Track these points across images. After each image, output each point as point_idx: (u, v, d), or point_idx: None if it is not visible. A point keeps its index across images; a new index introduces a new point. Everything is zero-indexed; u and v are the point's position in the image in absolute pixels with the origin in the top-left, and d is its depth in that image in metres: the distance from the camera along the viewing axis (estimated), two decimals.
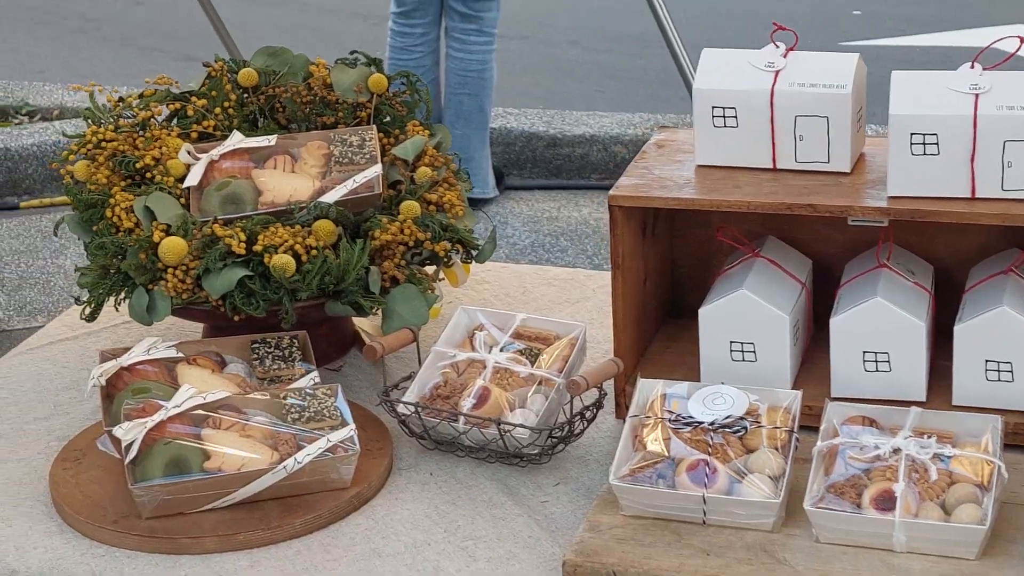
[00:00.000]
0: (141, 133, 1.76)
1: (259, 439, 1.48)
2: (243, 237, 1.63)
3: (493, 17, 4.01)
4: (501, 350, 1.59)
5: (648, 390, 1.51)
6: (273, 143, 1.75)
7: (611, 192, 1.60)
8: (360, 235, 1.68)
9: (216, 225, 1.64)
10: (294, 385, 1.59)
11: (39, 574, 1.43)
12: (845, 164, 1.62)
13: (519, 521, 1.48)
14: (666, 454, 1.43)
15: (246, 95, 1.82)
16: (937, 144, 1.52)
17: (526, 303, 1.92)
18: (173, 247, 1.62)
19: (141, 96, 1.81)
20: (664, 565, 1.36)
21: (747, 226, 1.69)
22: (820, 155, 1.61)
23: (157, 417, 1.47)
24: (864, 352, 1.59)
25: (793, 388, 1.59)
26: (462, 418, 1.52)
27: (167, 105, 1.82)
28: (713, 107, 1.62)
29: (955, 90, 1.53)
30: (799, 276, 1.68)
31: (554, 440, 1.54)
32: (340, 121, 1.81)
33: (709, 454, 1.43)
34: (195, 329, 1.84)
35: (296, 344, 1.66)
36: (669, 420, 1.46)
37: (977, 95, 1.52)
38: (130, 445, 1.46)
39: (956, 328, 1.56)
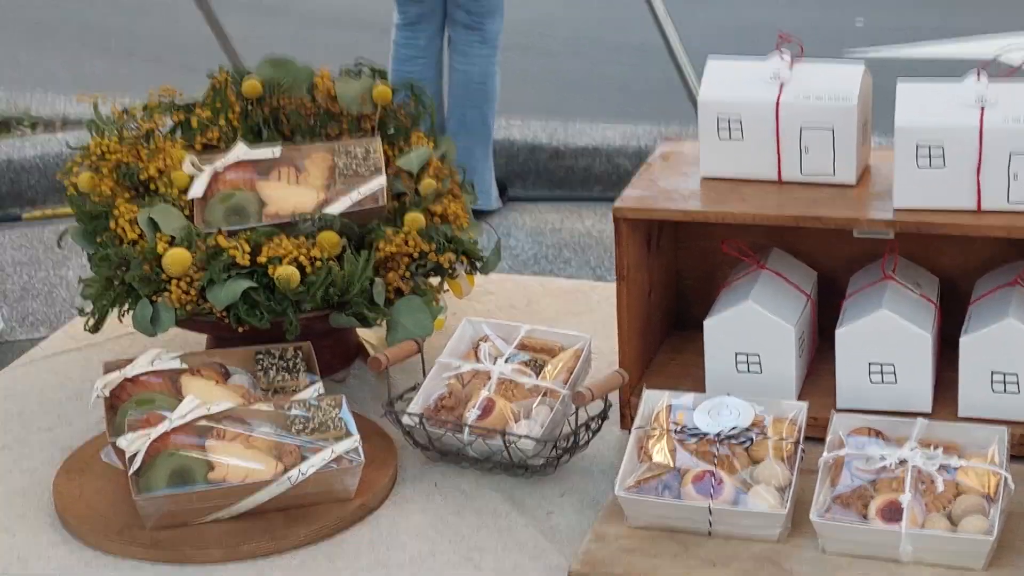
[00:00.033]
0: (145, 144, 1.77)
1: (263, 450, 1.48)
2: (247, 248, 1.62)
3: (496, 28, 4.02)
4: (506, 361, 1.58)
5: (653, 401, 1.51)
6: (277, 154, 1.75)
7: (616, 204, 1.60)
8: (364, 246, 1.68)
9: (220, 236, 1.64)
10: (298, 396, 1.58)
11: None
12: (851, 176, 1.61)
13: (524, 532, 1.47)
14: (672, 465, 1.43)
15: (250, 106, 1.82)
16: (943, 156, 1.52)
17: (530, 314, 1.92)
18: (177, 258, 1.62)
19: (145, 107, 1.81)
20: None
21: (752, 238, 1.69)
22: (826, 167, 1.61)
23: (161, 428, 1.47)
24: (870, 364, 1.58)
25: (798, 400, 1.59)
26: (467, 429, 1.52)
27: (171, 116, 1.82)
28: (718, 118, 1.62)
29: (961, 101, 1.53)
30: (804, 288, 1.68)
31: (559, 451, 1.54)
32: (344, 132, 1.81)
33: (715, 465, 1.42)
34: (199, 340, 1.84)
35: (300, 355, 1.66)
36: (675, 431, 1.46)
37: (983, 107, 1.52)
38: (134, 456, 1.45)
39: (962, 340, 1.56)
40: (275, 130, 1.82)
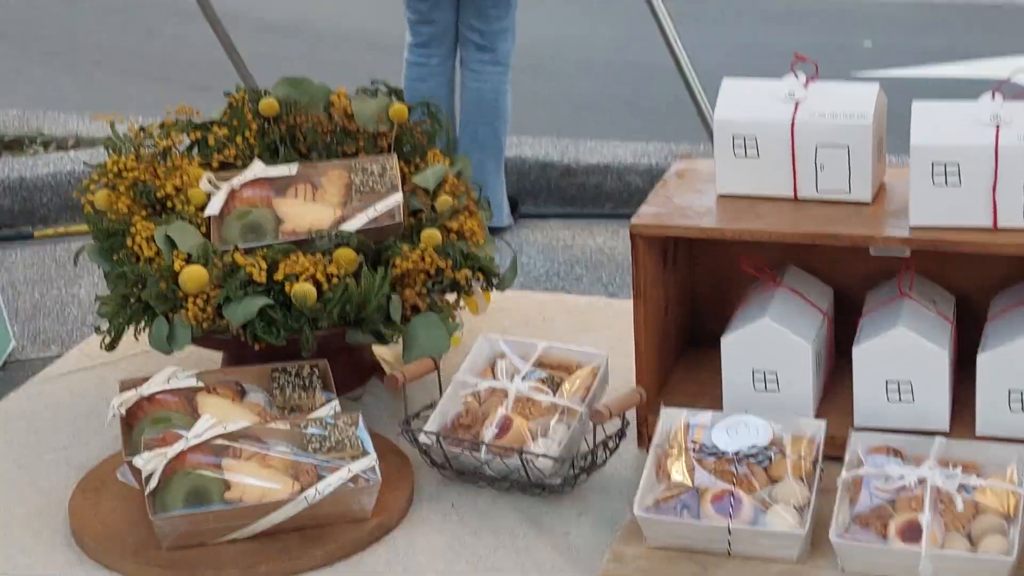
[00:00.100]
0: (162, 162, 1.77)
1: (280, 469, 1.48)
2: (264, 266, 1.63)
3: (508, 48, 4.03)
4: (523, 379, 1.58)
5: (671, 420, 1.51)
6: (294, 172, 1.75)
7: (632, 221, 1.60)
8: (381, 263, 1.68)
9: (237, 254, 1.64)
10: (315, 414, 1.58)
11: None
12: (866, 194, 1.61)
13: (542, 552, 1.47)
14: (690, 484, 1.43)
15: (267, 124, 1.83)
16: (959, 174, 1.52)
17: (546, 331, 1.92)
18: (194, 276, 1.62)
19: (162, 125, 1.82)
20: None
21: (767, 255, 1.69)
22: (841, 185, 1.61)
23: (177, 447, 1.47)
24: (887, 382, 1.58)
25: (816, 417, 1.58)
26: (484, 448, 1.52)
27: (188, 134, 1.82)
28: (734, 137, 1.63)
29: (976, 120, 1.53)
30: (821, 305, 1.67)
31: (577, 470, 1.53)
32: (361, 150, 1.81)
33: (734, 484, 1.42)
34: (214, 358, 1.84)
35: (316, 373, 1.66)
36: (693, 450, 1.46)
37: (998, 125, 1.52)
38: (151, 475, 1.45)
39: (979, 358, 1.56)
40: (292, 148, 1.82)
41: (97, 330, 1.73)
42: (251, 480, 1.46)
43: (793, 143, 1.61)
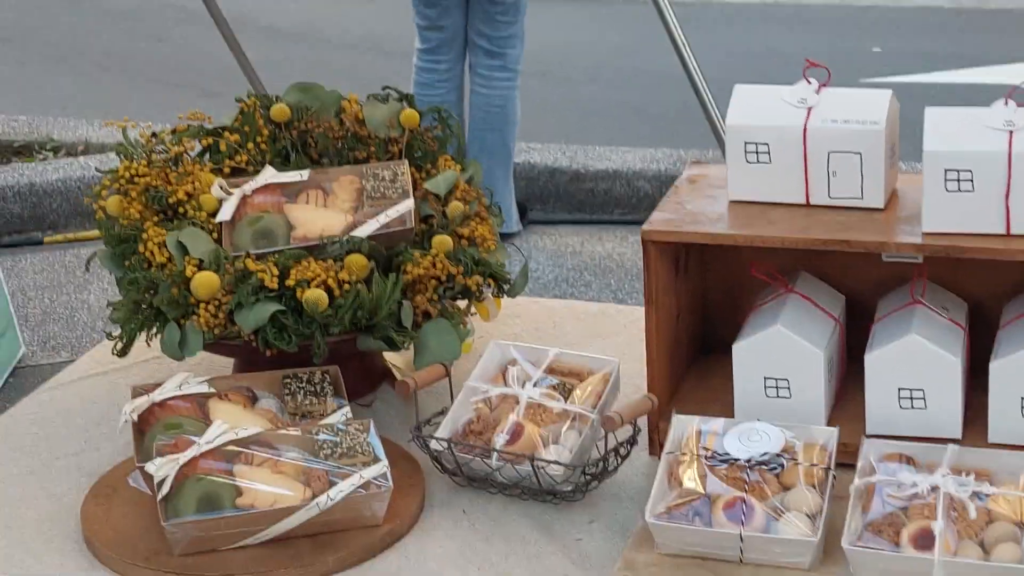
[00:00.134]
0: (174, 168, 1.77)
1: (291, 475, 1.48)
2: (275, 272, 1.63)
3: (517, 54, 4.03)
4: (534, 385, 1.58)
5: (683, 426, 1.50)
6: (305, 178, 1.75)
7: (644, 227, 1.60)
8: (392, 269, 1.68)
9: (248, 260, 1.64)
10: (326, 420, 1.58)
11: None
12: (879, 200, 1.61)
13: (553, 559, 1.46)
14: (702, 491, 1.42)
15: (278, 130, 1.83)
16: (972, 180, 1.52)
17: (557, 338, 1.92)
18: (206, 282, 1.62)
19: (174, 131, 1.82)
20: None
21: (779, 262, 1.69)
22: (854, 191, 1.61)
23: (189, 453, 1.47)
24: (899, 389, 1.57)
25: (827, 425, 1.58)
26: (495, 454, 1.52)
27: (200, 140, 1.82)
28: (746, 143, 1.62)
29: (989, 126, 1.53)
30: (833, 312, 1.67)
31: (588, 477, 1.53)
32: (372, 156, 1.82)
33: (746, 491, 1.41)
34: (225, 364, 1.84)
35: (328, 379, 1.66)
36: (705, 457, 1.45)
37: (1012, 131, 1.51)
38: (162, 481, 1.45)
39: (992, 365, 1.55)
40: (303, 154, 1.82)
41: (109, 336, 1.73)
42: (263, 486, 1.46)
43: (805, 149, 1.60)
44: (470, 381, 1.61)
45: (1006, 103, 1.55)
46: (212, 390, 1.61)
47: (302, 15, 7.04)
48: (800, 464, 1.44)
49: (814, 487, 1.43)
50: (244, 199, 1.73)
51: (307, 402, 1.63)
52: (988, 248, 1.52)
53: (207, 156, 1.83)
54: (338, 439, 1.51)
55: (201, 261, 1.65)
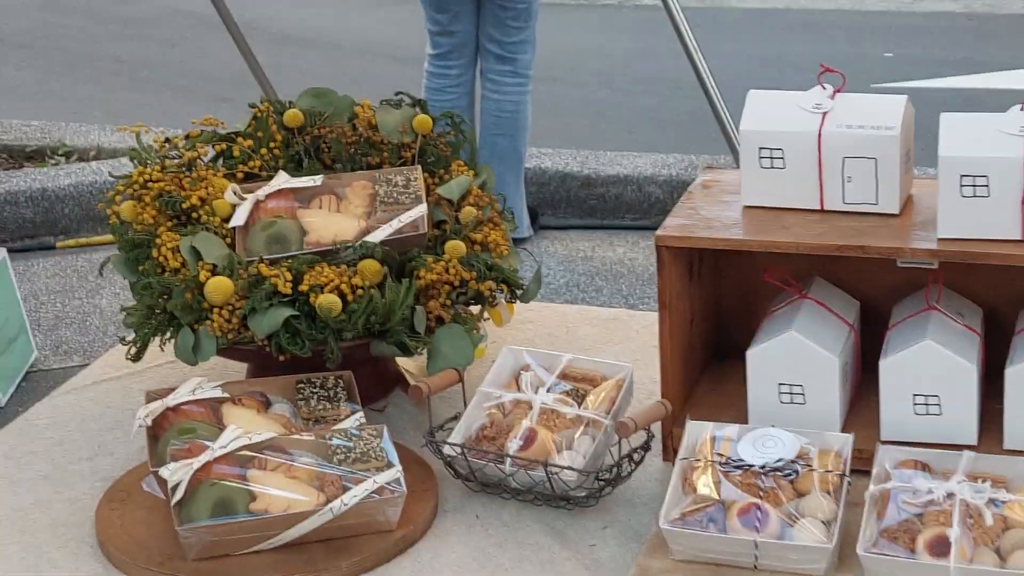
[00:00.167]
0: (187, 173, 1.77)
1: (305, 480, 1.48)
2: (289, 277, 1.63)
3: (528, 59, 4.03)
4: (548, 391, 1.58)
5: (697, 432, 1.50)
6: (318, 183, 1.75)
7: (658, 232, 1.60)
8: (405, 275, 1.68)
9: (262, 265, 1.64)
10: (340, 426, 1.58)
11: None
12: (894, 205, 1.61)
13: (567, 565, 1.46)
14: (717, 497, 1.42)
15: (292, 136, 1.83)
16: (987, 186, 1.51)
17: (569, 343, 1.92)
18: (219, 287, 1.62)
19: (187, 137, 1.83)
20: None
21: (794, 267, 1.68)
22: (868, 196, 1.61)
23: (203, 458, 1.47)
24: (914, 395, 1.57)
25: (842, 431, 1.58)
26: (508, 460, 1.51)
27: (213, 146, 1.83)
28: (760, 148, 1.62)
29: (1005, 132, 1.52)
30: (847, 318, 1.67)
31: (602, 483, 1.53)
32: (385, 161, 1.82)
33: (760, 498, 1.41)
34: (239, 369, 1.84)
35: (341, 384, 1.66)
36: (719, 463, 1.45)
37: None
38: (176, 486, 1.45)
39: (1007, 371, 1.55)
40: (316, 159, 1.82)
41: (122, 341, 1.73)
42: (276, 491, 1.46)
43: (820, 154, 1.60)
44: (483, 386, 1.61)
45: (1022, 108, 1.54)
46: (226, 395, 1.61)
47: (312, 21, 7.06)
48: (815, 470, 1.44)
49: (829, 493, 1.42)
50: (257, 204, 1.73)
51: (320, 407, 1.63)
52: (1004, 254, 1.51)
53: (220, 161, 1.83)
54: (352, 444, 1.51)
55: (215, 266, 1.65)
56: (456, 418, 1.60)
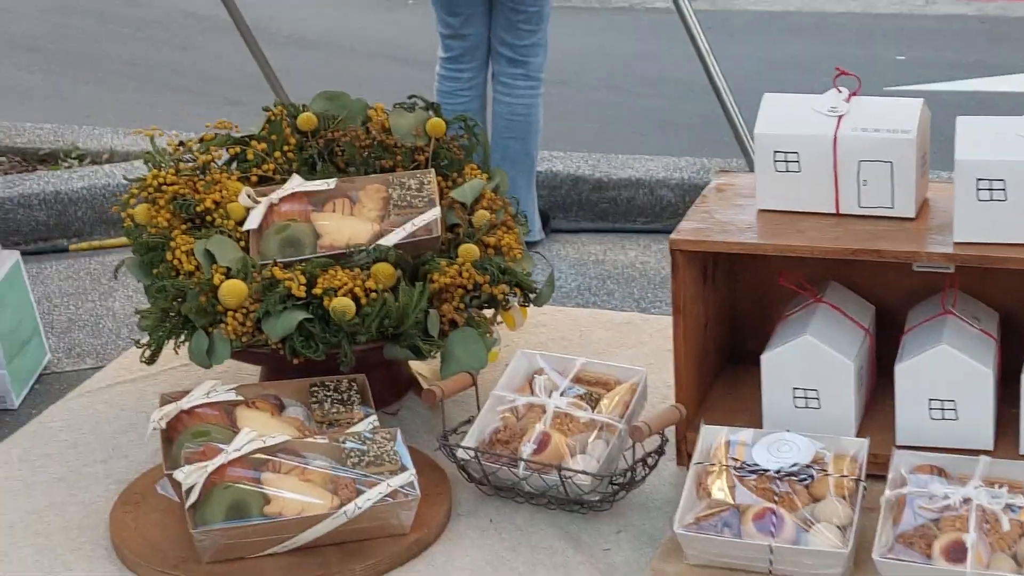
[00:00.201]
0: (201, 177, 1.78)
1: (319, 483, 1.48)
2: (303, 280, 1.63)
3: (539, 62, 4.03)
4: (561, 395, 1.57)
5: (711, 437, 1.50)
6: (332, 186, 1.76)
7: (672, 236, 1.59)
8: (419, 278, 1.68)
9: (276, 268, 1.65)
10: (353, 429, 1.58)
11: None
12: (910, 209, 1.60)
13: (581, 569, 1.46)
14: (731, 502, 1.41)
15: (305, 139, 1.83)
16: (1004, 190, 1.51)
17: (583, 347, 1.91)
18: (233, 290, 1.62)
19: (201, 140, 1.83)
20: None
21: (808, 271, 1.68)
22: (884, 200, 1.60)
23: (217, 461, 1.47)
24: (930, 400, 1.56)
25: (857, 435, 1.57)
26: (522, 464, 1.51)
27: (227, 149, 1.83)
28: (775, 152, 1.62)
29: (1022, 136, 1.52)
30: (862, 322, 1.66)
31: (616, 487, 1.52)
32: (398, 165, 1.82)
33: (775, 503, 1.40)
34: (252, 372, 1.84)
35: (355, 387, 1.66)
36: (734, 468, 1.44)
37: None
38: (191, 489, 1.45)
39: None
40: (330, 162, 1.83)
41: (137, 343, 1.73)
42: (290, 494, 1.46)
43: (835, 158, 1.60)
44: (497, 390, 1.61)
45: None
46: (240, 398, 1.62)
47: (325, 24, 7.07)
48: (830, 475, 1.43)
49: (844, 498, 1.42)
50: (271, 208, 1.73)
51: (334, 410, 1.63)
52: (1020, 258, 1.50)
53: (234, 165, 1.83)
54: (365, 447, 1.51)
55: (229, 269, 1.65)
56: (469, 422, 1.59)
